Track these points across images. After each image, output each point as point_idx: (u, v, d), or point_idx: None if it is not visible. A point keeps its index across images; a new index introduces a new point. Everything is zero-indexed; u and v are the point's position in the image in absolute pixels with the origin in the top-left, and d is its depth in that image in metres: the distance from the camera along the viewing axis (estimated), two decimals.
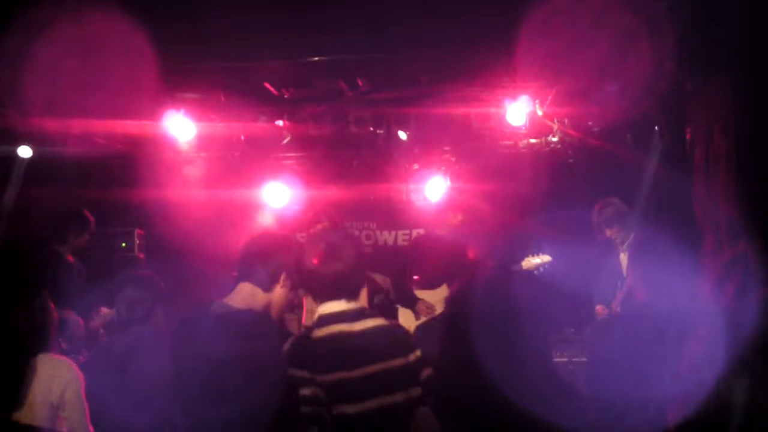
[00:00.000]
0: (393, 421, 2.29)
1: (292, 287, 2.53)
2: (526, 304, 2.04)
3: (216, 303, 2.48)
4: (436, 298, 5.62)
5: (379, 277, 6.18)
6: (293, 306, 4.32)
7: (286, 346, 2.35)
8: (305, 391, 2.26)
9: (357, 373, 2.28)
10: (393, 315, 5.62)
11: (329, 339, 2.32)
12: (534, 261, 5.79)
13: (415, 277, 5.86)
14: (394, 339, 2.38)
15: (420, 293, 5.72)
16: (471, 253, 5.44)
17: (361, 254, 2.47)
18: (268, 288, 2.48)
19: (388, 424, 2.28)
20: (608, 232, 5.28)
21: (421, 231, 8.14)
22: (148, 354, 3.09)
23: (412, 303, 5.68)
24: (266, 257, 2.50)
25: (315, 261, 2.38)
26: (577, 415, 1.89)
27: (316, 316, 2.40)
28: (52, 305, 2.89)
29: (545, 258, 5.77)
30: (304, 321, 4.46)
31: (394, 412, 2.28)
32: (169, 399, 2.40)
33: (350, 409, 2.26)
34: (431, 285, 5.70)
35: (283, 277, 2.49)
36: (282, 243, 2.60)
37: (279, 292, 2.50)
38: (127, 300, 3.31)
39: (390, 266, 6.35)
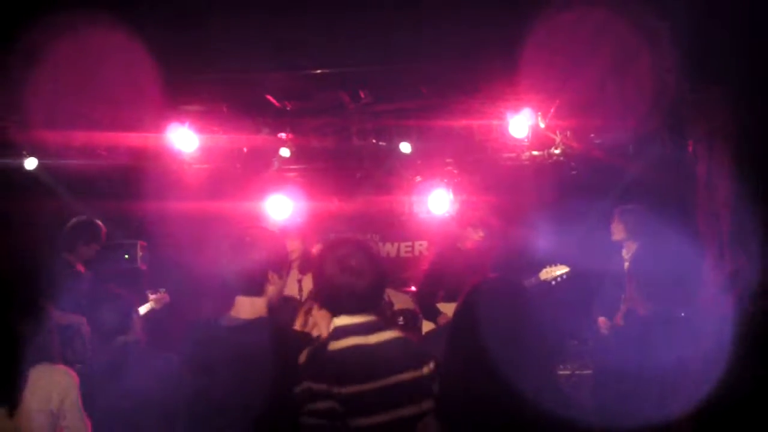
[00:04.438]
0: None
1: (281, 277, 2.58)
2: (528, 314, 2.04)
3: (224, 316, 2.51)
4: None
5: (402, 297, 6.15)
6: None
7: (302, 358, 2.36)
8: (320, 405, 2.25)
9: (371, 386, 2.28)
10: (417, 329, 5.58)
11: (346, 351, 2.33)
12: (553, 272, 5.76)
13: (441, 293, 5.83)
14: (408, 352, 2.39)
15: (442, 306, 5.71)
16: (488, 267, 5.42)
17: (384, 270, 2.48)
18: (261, 293, 2.52)
19: None
20: (624, 233, 5.26)
21: (424, 243, 8.14)
22: (136, 361, 3.26)
23: (434, 316, 5.66)
24: (248, 268, 2.52)
25: (340, 276, 2.38)
26: (579, 422, 1.88)
27: (331, 327, 2.41)
28: (57, 313, 2.93)
29: (563, 269, 5.75)
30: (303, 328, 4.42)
31: (405, 426, 2.28)
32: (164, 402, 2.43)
33: (363, 422, 2.26)
34: (453, 298, 5.67)
35: (270, 276, 2.52)
36: (259, 245, 2.59)
37: (272, 290, 2.56)
38: (106, 317, 3.73)
39: (393, 278, 6.33)
